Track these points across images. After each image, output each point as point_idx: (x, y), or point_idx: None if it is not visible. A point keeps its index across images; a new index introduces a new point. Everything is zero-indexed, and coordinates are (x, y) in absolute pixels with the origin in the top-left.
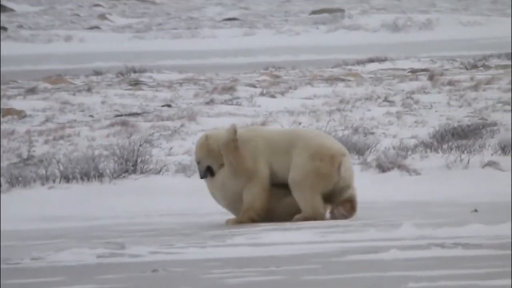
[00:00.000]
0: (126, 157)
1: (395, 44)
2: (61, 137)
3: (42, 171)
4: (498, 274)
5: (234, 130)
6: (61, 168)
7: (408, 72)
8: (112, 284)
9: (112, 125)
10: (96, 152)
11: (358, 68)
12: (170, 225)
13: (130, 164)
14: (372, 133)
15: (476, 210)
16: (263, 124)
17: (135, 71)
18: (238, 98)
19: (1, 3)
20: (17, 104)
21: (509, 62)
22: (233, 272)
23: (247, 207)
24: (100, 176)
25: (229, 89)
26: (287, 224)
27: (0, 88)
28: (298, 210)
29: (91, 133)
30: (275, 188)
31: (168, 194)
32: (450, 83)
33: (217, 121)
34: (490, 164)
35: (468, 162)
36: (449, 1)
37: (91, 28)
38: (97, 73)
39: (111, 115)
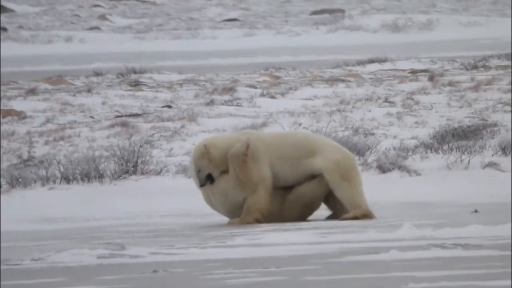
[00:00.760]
0: (127, 158)
1: (395, 45)
2: (62, 138)
3: (42, 172)
4: (498, 275)
5: (247, 145)
6: (62, 169)
7: (409, 72)
8: (112, 285)
9: (112, 126)
10: (97, 153)
11: (359, 69)
12: (170, 226)
13: (131, 165)
14: (373, 134)
15: (476, 211)
16: (264, 125)
17: (135, 72)
18: (238, 99)
19: (1, 3)
20: (17, 105)
21: (509, 63)
22: (234, 272)
23: (252, 208)
24: (100, 177)
25: (229, 90)
26: (287, 225)
27: (0, 89)
28: (305, 206)
29: (91, 134)
30: (276, 189)
31: (169, 195)
32: (450, 83)
33: (218, 122)
34: (491, 165)
35: (468, 163)
36: (449, 1)
37: (92, 28)
38: (97, 74)
39: (112, 116)
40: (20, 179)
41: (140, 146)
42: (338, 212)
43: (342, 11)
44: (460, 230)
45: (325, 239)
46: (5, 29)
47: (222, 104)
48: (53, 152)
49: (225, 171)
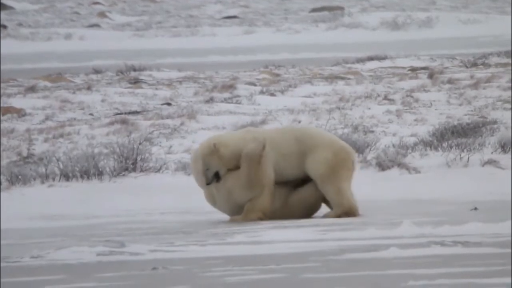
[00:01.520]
0: (126, 155)
1: (394, 42)
2: (61, 135)
3: (42, 170)
4: (498, 272)
5: (263, 146)
6: (61, 166)
7: (408, 70)
8: (111, 282)
9: (112, 123)
10: (96, 150)
11: (358, 66)
12: (170, 223)
13: (130, 162)
14: (372, 131)
15: (476, 208)
16: (263, 122)
17: (135, 69)
18: (238, 96)
19: (1, 1)
20: (17, 102)
21: (509, 60)
22: (233, 270)
23: (255, 207)
24: (100, 174)
25: (229, 87)
26: (287, 222)
27: (0, 86)
28: (306, 208)
29: (91, 131)
30: (278, 187)
31: (168, 192)
32: (450, 81)
33: (217, 119)
34: (490, 162)
35: (468, 160)
36: None
37: (91, 26)
38: (97, 71)
39: (111, 113)
40: (19, 177)
41: (140, 144)
42: None
43: (341, 8)
44: (459, 228)
45: (325, 237)
46: (4, 27)
47: (222, 101)
48: (53, 150)
49: (231, 169)
